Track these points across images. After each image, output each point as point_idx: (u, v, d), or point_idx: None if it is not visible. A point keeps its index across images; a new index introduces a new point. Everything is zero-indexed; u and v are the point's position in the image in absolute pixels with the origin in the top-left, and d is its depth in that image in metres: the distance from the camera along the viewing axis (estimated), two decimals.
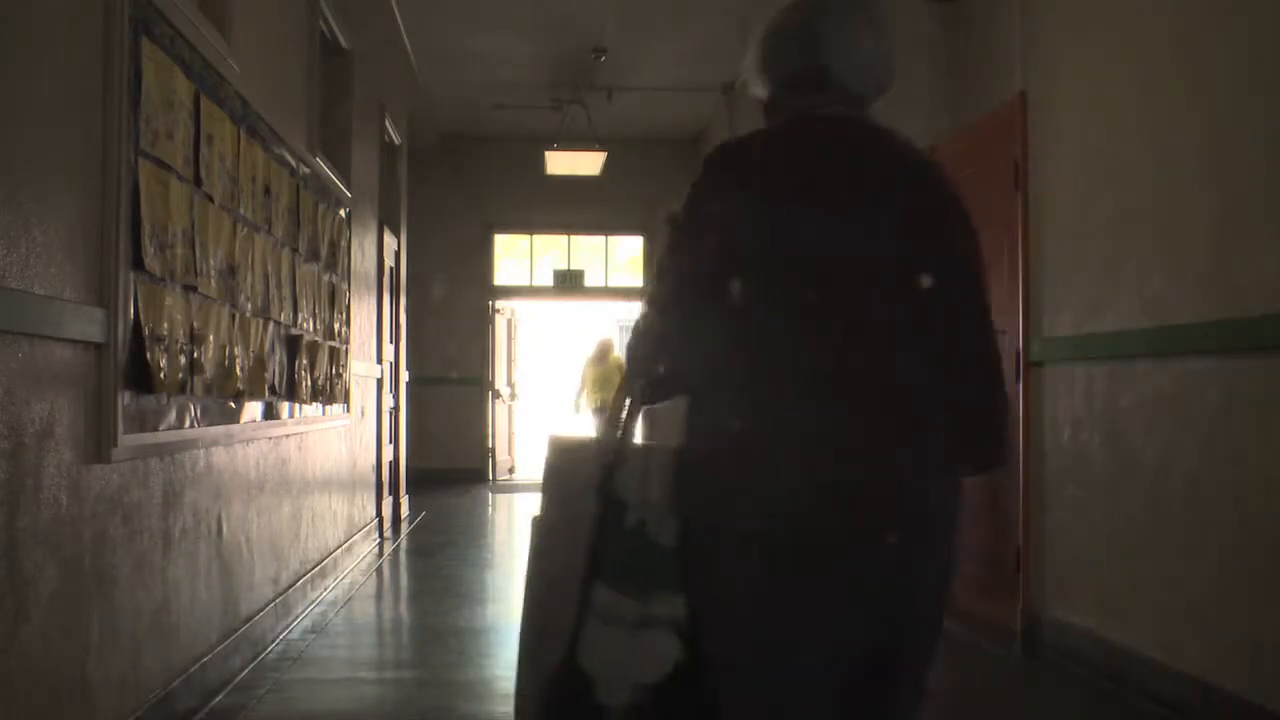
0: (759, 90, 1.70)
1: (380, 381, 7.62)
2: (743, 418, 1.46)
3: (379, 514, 7.57)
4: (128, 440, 2.89)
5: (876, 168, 1.58)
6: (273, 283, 4.35)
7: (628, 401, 1.59)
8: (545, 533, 1.60)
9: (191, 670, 3.47)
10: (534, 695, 1.54)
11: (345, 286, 6.01)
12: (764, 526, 1.43)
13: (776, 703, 1.44)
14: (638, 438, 1.63)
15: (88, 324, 2.68)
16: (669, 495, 1.52)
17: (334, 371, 5.62)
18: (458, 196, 12.62)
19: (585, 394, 13.26)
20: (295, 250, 4.75)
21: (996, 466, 1.63)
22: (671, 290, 1.54)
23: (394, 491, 8.39)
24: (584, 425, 13.44)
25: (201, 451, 3.60)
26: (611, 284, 13.15)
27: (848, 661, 1.49)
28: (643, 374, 1.57)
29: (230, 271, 3.77)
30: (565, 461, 1.61)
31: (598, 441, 1.63)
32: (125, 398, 2.88)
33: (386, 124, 8.09)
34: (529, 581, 1.60)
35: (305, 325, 4.92)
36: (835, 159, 1.56)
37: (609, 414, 1.64)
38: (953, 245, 1.62)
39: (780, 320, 1.48)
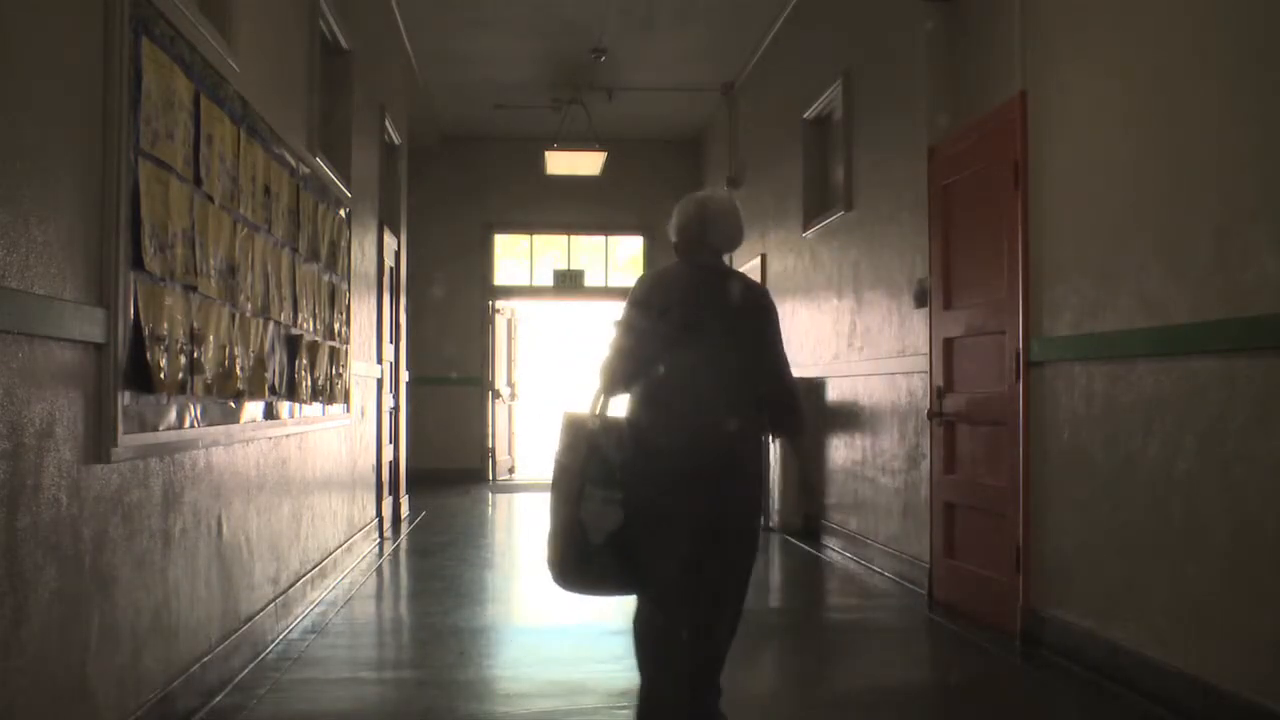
0: (673, 239, 3.19)
1: (380, 381, 7.62)
2: (649, 408, 3.00)
3: (379, 514, 7.57)
4: (128, 440, 2.89)
5: (720, 287, 3.10)
6: (273, 283, 4.35)
7: (601, 396, 3.04)
8: (562, 460, 2.99)
9: (191, 670, 3.47)
10: (558, 534, 2.95)
11: (345, 286, 6.01)
12: (655, 456, 2.93)
13: (659, 533, 2.91)
14: (610, 414, 3.05)
15: (88, 324, 2.68)
16: (619, 442, 2.96)
17: (334, 371, 5.62)
18: (458, 197, 12.62)
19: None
20: (295, 250, 4.75)
21: (796, 436, 3.26)
22: (620, 345, 3.05)
23: (394, 491, 8.39)
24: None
25: (201, 451, 3.60)
26: (611, 284, 13.14)
27: (692, 519, 2.90)
28: (607, 383, 3.04)
29: (230, 271, 3.77)
30: (573, 425, 3.01)
31: (589, 415, 3.01)
32: (125, 398, 2.88)
33: (386, 124, 8.09)
34: (557, 485, 2.98)
35: (305, 325, 4.92)
36: (697, 285, 3.08)
37: (594, 402, 3.04)
38: (759, 320, 3.09)
39: (663, 362, 2.99)
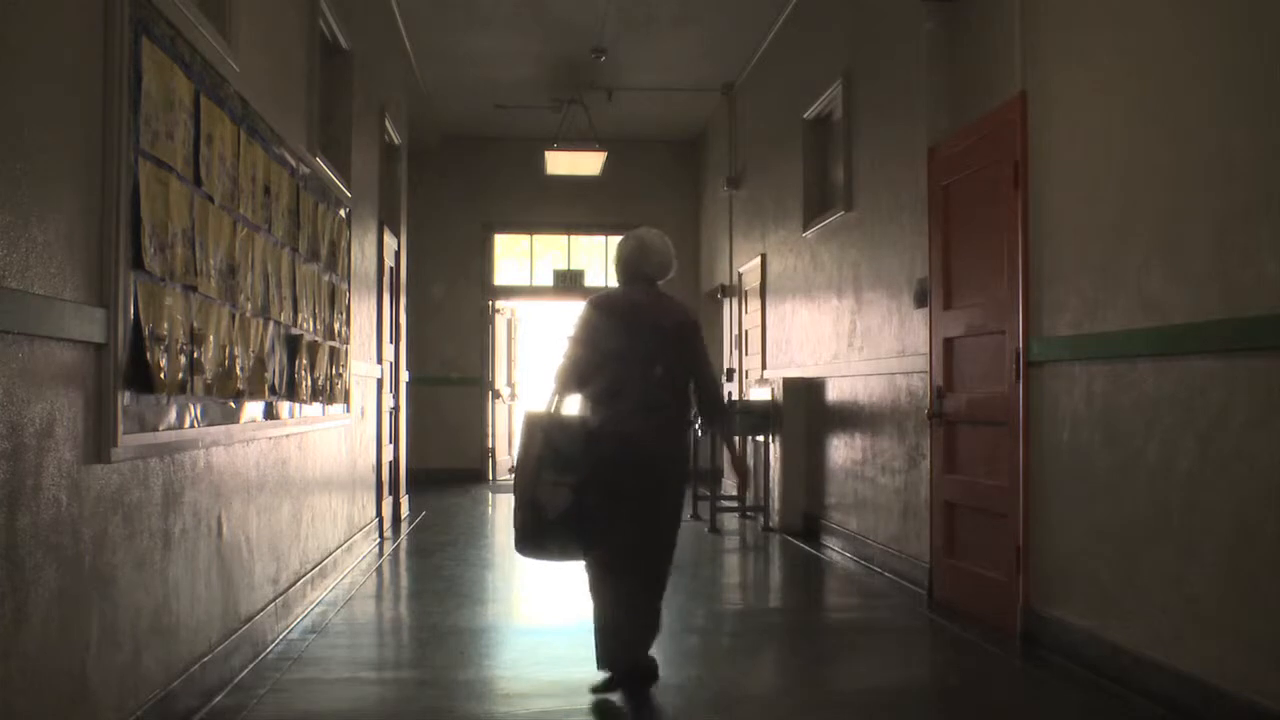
0: (617, 272, 4.01)
1: (380, 381, 7.62)
2: (596, 406, 3.78)
3: (379, 514, 7.57)
4: (128, 440, 2.89)
5: (653, 308, 3.88)
6: (273, 283, 4.35)
7: (556, 397, 3.80)
8: (523, 451, 3.72)
9: (191, 670, 3.47)
10: (519, 510, 3.68)
11: (345, 286, 6.01)
12: (604, 443, 3.67)
13: (603, 503, 3.66)
14: (563, 412, 3.84)
15: (88, 324, 2.68)
16: (573, 434, 3.71)
17: (334, 371, 5.62)
18: (458, 196, 12.63)
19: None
20: (295, 250, 4.75)
21: (726, 430, 4.08)
22: (573, 355, 3.81)
23: (394, 491, 8.38)
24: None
25: (201, 451, 3.60)
26: (612, 284, 13.13)
27: (629, 490, 3.71)
28: (561, 386, 3.81)
29: (230, 271, 3.77)
30: (532, 420, 3.76)
31: (545, 413, 3.77)
32: (125, 398, 2.88)
33: (386, 124, 8.09)
34: (518, 470, 3.74)
35: (305, 325, 4.92)
36: (635, 306, 3.87)
37: (550, 402, 3.80)
38: (685, 336, 3.88)
39: (607, 368, 3.76)
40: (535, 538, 3.71)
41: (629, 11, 8.53)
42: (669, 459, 3.84)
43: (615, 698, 3.73)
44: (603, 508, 3.68)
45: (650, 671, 3.83)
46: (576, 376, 3.81)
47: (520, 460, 3.74)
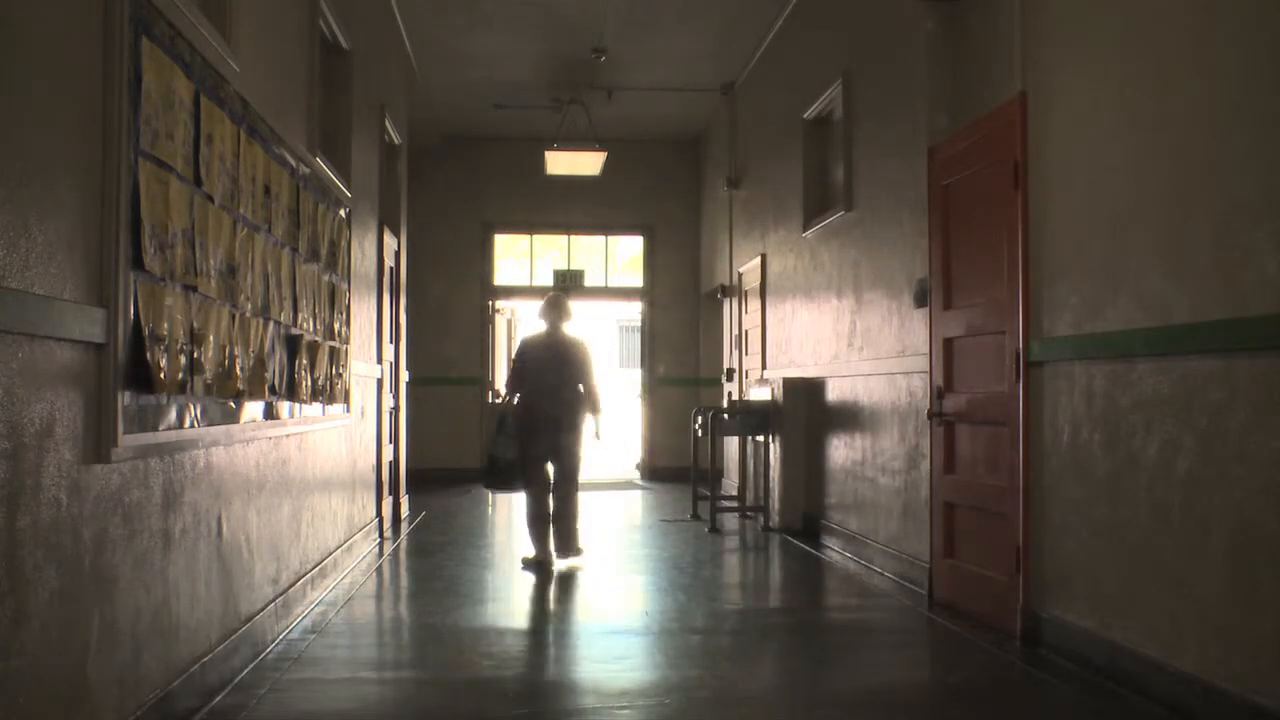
0: (539, 320, 6.96)
1: (380, 381, 7.62)
2: (528, 399, 6.68)
3: (379, 514, 7.57)
4: (128, 440, 2.89)
5: (560, 344, 6.80)
6: (273, 283, 4.35)
7: (505, 394, 6.85)
8: (487, 426, 6.98)
9: (191, 670, 3.47)
10: (487, 461, 6.66)
11: (345, 286, 6.01)
12: (526, 416, 6.63)
13: (532, 450, 6.62)
14: (512, 402, 6.78)
15: (88, 324, 2.68)
16: (515, 415, 6.64)
17: (334, 371, 5.62)
18: (458, 196, 12.63)
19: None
20: (295, 250, 4.75)
21: (596, 414, 6.83)
22: (514, 370, 6.86)
23: (394, 491, 8.38)
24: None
25: (201, 451, 3.60)
26: (611, 284, 13.15)
27: (548, 444, 6.66)
28: (508, 387, 6.86)
29: (230, 271, 3.77)
30: (492, 407, 7.27)
31: (503, 403, 6.79)
32: (125, 398, 2.88)
33: (386, 124, 8.09)
34: (485, 437, 7.20)
35: (305, 325, 4.92)
36: (550, 342, 6.83)
37: (503, 396, 6.88)
38: (581, 359, 6.77)
39: (534, 378, 6.69)
40: (494, 476, 6.45)
41: (629, 11, 8.53)
42: (566, 425, 6.55)
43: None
44: (532, 456, 6.44)
45: (577, 555, 6.60)
46: (518, 382, 6.61)
47: (486, 432, 6.30)
